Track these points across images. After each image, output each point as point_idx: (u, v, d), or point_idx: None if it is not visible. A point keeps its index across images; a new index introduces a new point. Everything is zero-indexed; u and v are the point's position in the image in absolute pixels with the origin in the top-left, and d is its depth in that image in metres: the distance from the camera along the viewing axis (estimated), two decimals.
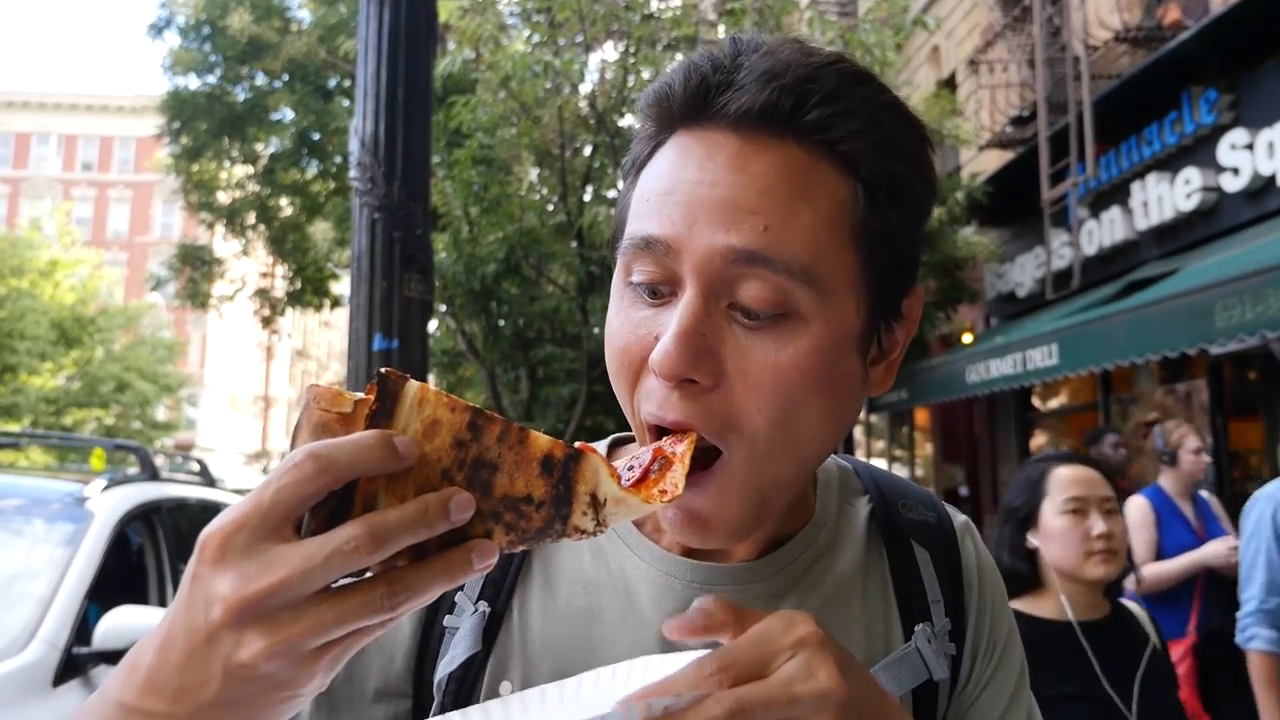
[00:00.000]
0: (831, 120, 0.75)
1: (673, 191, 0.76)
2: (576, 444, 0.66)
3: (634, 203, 0.81)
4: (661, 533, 0.90)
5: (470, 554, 0.61)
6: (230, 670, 0.56)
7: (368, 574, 0.60)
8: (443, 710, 0.84)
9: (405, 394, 0.62)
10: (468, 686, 0.85)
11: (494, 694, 0.84)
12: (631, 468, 0.73)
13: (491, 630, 0.87)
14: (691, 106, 0.78)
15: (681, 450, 0.72)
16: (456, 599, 0.89)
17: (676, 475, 0.70)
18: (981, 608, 0.98)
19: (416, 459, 0.61)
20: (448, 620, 0.88)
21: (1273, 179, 8.28)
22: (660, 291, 0.77)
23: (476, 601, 0.88)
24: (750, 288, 0.73)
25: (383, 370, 0.62)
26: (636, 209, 0.79)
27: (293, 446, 0.61)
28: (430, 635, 0.88)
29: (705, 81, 0.77)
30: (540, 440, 0.63)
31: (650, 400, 0.76)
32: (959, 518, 1.03)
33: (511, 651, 0.87)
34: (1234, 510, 9.28)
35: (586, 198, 8.94)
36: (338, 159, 13.29)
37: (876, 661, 0.89)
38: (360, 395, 0.62)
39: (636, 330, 0.77)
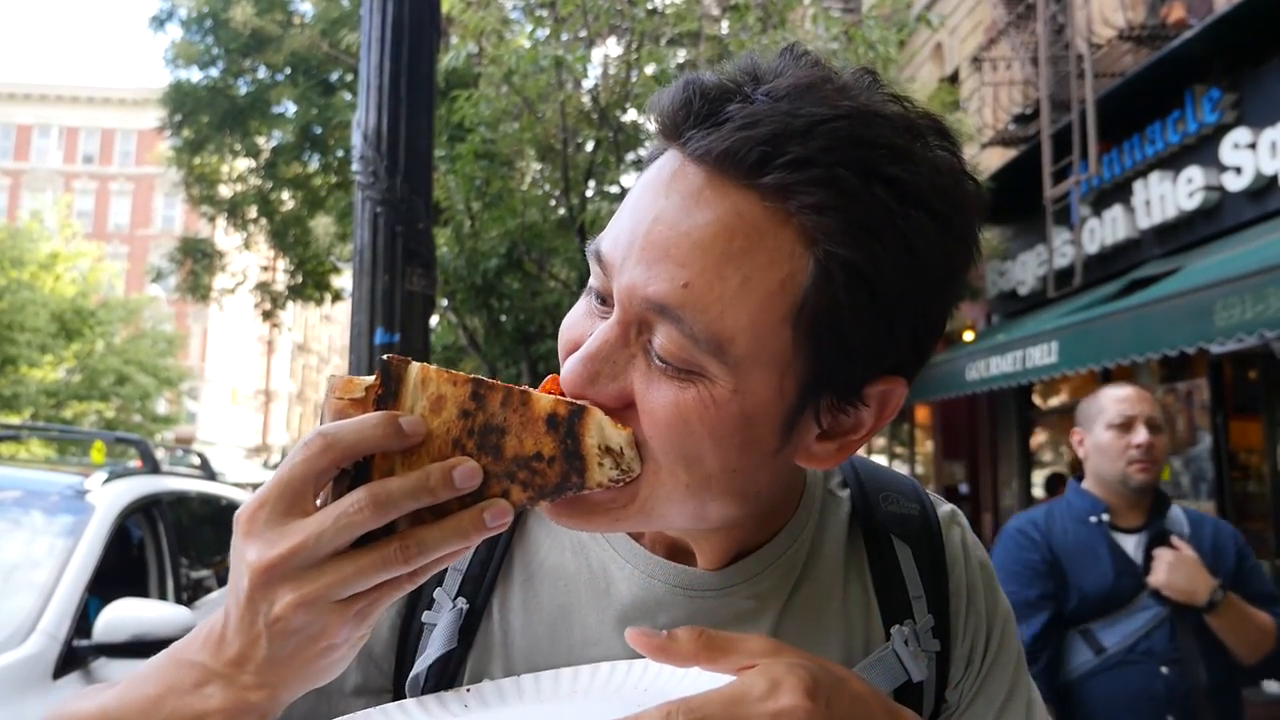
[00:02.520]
0: (795, 188, 0.66)
1: (631, 211, 0.73)
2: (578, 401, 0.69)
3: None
4: (643, 532, 0.88)
5: (482, 513, 0.65)
6: (270, 626, 0.63)
7: None
8: None
9: (408, 376, 0.66)
10: (445, 683, 0.84)
11: None
12: None
13: (471, 627, 0.86)
14: (667, 127, 0.73)
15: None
16: (435, 595, 0.87)
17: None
18: (971, 599, 0.95)
19: (425, 434, 0.66)
20: (426, 616, 0.86)
21: (1275, 178, 8.26)
22: (607, 301, 0.74)
23: (455, 598, 0.87)
24: (660, 335, 0.69)
25: (385, 357, 0.67)
26: (615, 214, 0.77)
27: None
28: (409, 632, 0.87)
29: (688, 106, 0.70)
30: (543, 400, 0.67)
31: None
32: (944, 507, 1.00)
33: (492, 648, 0.86)
34: (1238, 512, 9.28)
35: (589, 193, 8.92)
36: (339, 153, 13.27)
37: (854, 664, 0.87)
38: (370, 380, 0.67)
39: (577, 328, 0.77)
